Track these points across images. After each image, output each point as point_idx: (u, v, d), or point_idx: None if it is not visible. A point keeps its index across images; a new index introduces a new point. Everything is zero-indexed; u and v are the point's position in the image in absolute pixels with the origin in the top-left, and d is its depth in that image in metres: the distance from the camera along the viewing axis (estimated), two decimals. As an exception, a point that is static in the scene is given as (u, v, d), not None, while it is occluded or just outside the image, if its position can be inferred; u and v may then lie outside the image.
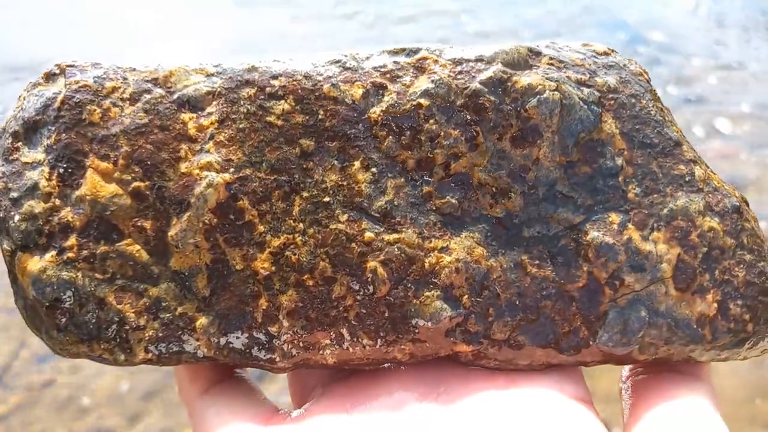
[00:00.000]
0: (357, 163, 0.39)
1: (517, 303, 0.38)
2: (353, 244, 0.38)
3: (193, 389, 0.42)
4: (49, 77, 0.41)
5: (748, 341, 0.39)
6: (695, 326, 0.38)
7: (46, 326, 0.38)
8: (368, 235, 0.38)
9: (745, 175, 2.04)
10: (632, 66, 0.43)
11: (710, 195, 0.40)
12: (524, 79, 0.40)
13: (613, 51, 0.43)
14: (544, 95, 0.39)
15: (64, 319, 0.37)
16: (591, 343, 0.38)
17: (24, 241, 0.38)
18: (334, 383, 0.42)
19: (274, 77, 0.41)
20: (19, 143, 0.39)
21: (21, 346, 1.81)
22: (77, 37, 2.62)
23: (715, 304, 0.38)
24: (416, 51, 0.42)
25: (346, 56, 0.42)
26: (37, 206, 0.38)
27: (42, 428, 1.48)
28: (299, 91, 0.40)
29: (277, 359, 0.38)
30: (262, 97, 0.40)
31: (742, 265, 0.39)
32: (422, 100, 0.40)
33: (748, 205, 0.41)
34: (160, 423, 1.68)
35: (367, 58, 0.42)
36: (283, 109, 0.40)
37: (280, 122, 0.40)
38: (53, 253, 0.38)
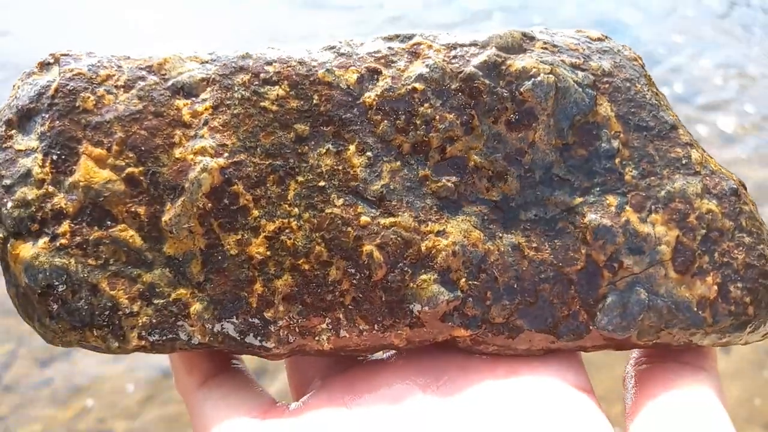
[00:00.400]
0: (352, 148, 0.39)
1: (515, 286, 0.38)
2: (349, 228, 0.38)
3: (190, 382, 0.42)
4: (43, 66, 0.41)
5: (749, 324, 0.38)
6: (696, 309, 0.38)
7: (39, 314, 0.38)
8: (364, 219, 0.38)
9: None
10: (626, 51, 0.43)
11: (708, 178, 0.40)
12: (518, 62, 0.40)
13: (607, 37, 0.43)
14: (539, 78, 0.39)
15: (56, 306, 0.37)
16: (591, 327, 0.38)
17: (16, 228, 0.38)
18: (333, 375, 0.41)
19: (269, 63, 0.41)
20: (13, 131, 0.39)
21: (19, 345, 1.81)
22: (77, 36, 2.61)
23: (716, 287, 0.38)
24: (410, 37, 0.42)
25: (340, 42, 0.42)
26: (30, 193, 0.38)
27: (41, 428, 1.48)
28: (294, 76, 0.40)
29: (273, 345, 0.38)
30: (257, 82, 0.40)
31: (741, 248, 0.38)
32: (417, 84, 0.40)
33: (745, 188, 0.41)
34: (158, 420, 1.67)
35: (362, 44, 0.42)
36: (277, 95, 0.40)
37: (274, 107, 0.40)
38: (46, 239, 0.37)
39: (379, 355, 0.42)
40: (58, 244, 0.37)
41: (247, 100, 0.40)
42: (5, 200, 0.38)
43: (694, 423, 0.35)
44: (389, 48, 0.41)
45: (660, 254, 0.38)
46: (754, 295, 0.38)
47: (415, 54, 0.41)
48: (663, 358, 0.40)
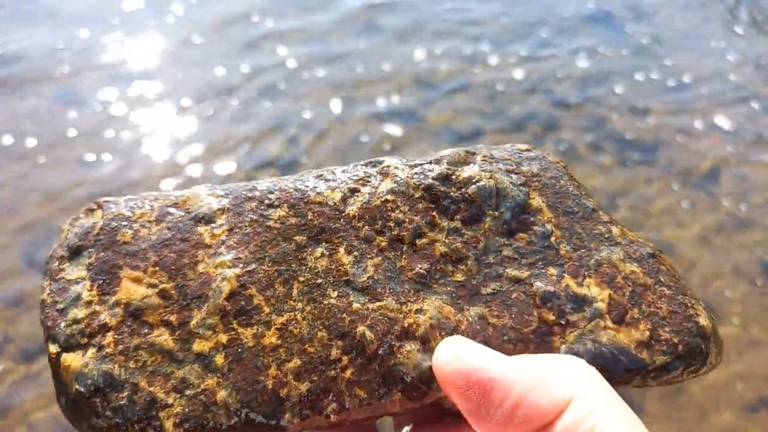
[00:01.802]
0: (341, 250, 0.48)
1: None
2: (344, 314, 0.45)
3: None
4: (89, 212, 0.50)
5: (683, 360, 0.45)
6: (635, 352, 0.44)
7: (87, 416, 0.43)
8: (355, 305, 0.46)
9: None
10: (550, 157, 0.53)
11: (627, 246, 0.48)
12: (465, 172, 0.51)
13: (533, 148, 0.54)
14: (482, 182, 0.50)
15: (103, 406, 0.42)
16: None
17: (68, 343, 0.44)
18: None
19: (271, 192, 0.51)
20: (65, 265, 0.47)
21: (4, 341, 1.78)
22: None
23: (647, 332, 0.44)
24: (381, 162, 0.52)
25: (326, 171, 0.52)
26: (80, 313, 0.45)
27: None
28: (291, 200, 0.50)
29: (287, 422, 0.43)
30: (262, 207, 0.50)
31: (663, 298, 0.46)
32: (388, 197, 0.50)
33: (661, 252, 0.50)
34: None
35: (343, 171, 0.52)
36: (279, 215, 0.49)
37: (277, 225, 0.49)
38: (93, 350, 0.44)
39: None
40: (104, 353, 0.44)
41: (255, 221, 0.49)
42: (59, 321, 0.45)
43: None
44: (365, 172, 0.52)
45: (598, 310, 0.45)
46: (681, 335, 0.45)
47: (385, 174, 0.51)
48: None
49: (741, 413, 1.66)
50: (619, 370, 0.44)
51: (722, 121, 2.65)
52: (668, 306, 0.45)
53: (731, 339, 1.84)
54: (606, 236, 0.49)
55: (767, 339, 1.83)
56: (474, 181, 0.50)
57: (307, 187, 0.51)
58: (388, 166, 0.51)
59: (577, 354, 0.43)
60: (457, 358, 0.41)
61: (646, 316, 0.45)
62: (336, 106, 2.57)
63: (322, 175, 0.52)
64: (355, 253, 0.48)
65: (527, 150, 0.54)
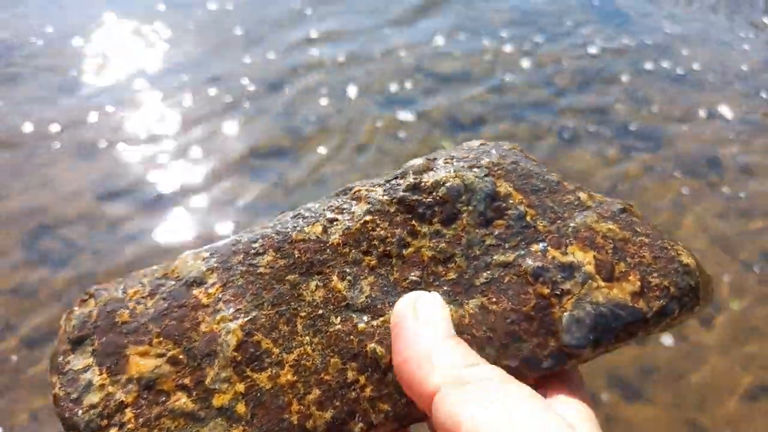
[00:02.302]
0: (334, 278, 0.49)
1: (492, 336, 0.46)
2: (351, 337, 0.47)
3: None
4: (82, 302, 0.50)
5: (678, 302, 0.47)
6: (631, 303, 0.46)
7: None
8: (360, 326, 0.47)
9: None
10: (505, 145, 0.56)
11: (598, 208, 0.51)
12: (431, 177, 0.53)
13: (487, 142, 0.56)
14: (449, 183, 0.52)
15: None
16: (561, 347, 0.45)
17: (89, 429, 0.44)
18: None
19: (254, 242, 0.52)
20: (69, 357, 0.47)
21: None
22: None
23: (638, 282, 0.46)
24: (351, 188, 0.54)
25: (302, 209, 0.54)
26: (94, 397, 0.45)
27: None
28: (275, 244, 0.51)
29: None
30: (249, 258, 0.51)
31: (644, 247, 0.48)
32: (367, 218, 0.52)
33: (631, 206, 0.52)
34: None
35: (318, 204, 0.54)
36: (267, 261, 0.50)
37: (267, 270, 0.50)
38: (115, 429, 0.44)
39: None
40: (126, 429, 0.44)
41: (246, 272, 0.50)
42: (76, 410, 0.45)
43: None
44: (338, 201, 0.53)
45: (587, 273, 0.47)
46: (670, 277, 0.47)
47: (358, 198, 0.53)
48: None
49: (741, 401, 1.67)
50: (621, 326, 0.45)
51: (725, 110, 2.64)
52: (650, 253, 0.48)
53: (731, 326, 1.85)
54: (576, 203, 0.51)
55: (765, 325, 1.83)
56: (442, 183, 0.52)
57: (287, 228, 0.52)
58: (359, 190, 0.53)
59: (579, 318, 0.45)
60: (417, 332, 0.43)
61: (632, 267, 0.47)
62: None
63: (299, 214, 0.53)
64: (348, 277, 0.49)
65: (482, 144, 0.56)
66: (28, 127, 2.48)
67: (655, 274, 0.47)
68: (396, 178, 0.54)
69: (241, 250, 0.51)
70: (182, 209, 2.17)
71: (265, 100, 2.65)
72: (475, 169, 0.53)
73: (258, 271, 0.50)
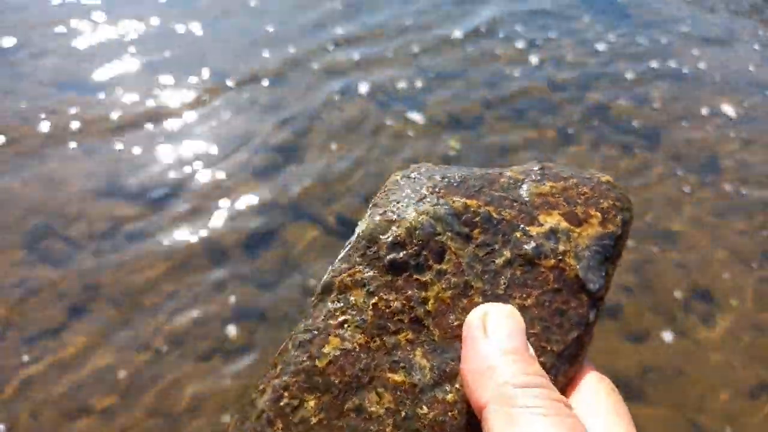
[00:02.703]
0: (387, 375, 0.47)
1: (547, 325, 0.48)
2: (450, 413, 0.45)
3: None
4: None
5: (624, 211, 0.52)
6: (605, 230, 0.50)
7: None
8: (449, 397, 0.45)
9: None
10: (418, 167, 0.55)
11: (528, 176, 0.53)
12: (400, 229, 0.50)
13: (399, 174, 0.55)
14: (420, 225, 0.50)
15: None
16: (592, 296, 0.48)
17: None
18: None
19: (279, 398, 0.47)
20: None
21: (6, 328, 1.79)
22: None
23: (598, 212, 0.51)
24: (331, 285, 0.50)
25: (298, 335, 0.49)
26: None
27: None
28: (304, 384, 0.47)
29: None
30: (288, 418, 0.46)
31: (580, 185, 0.52)
32: (373, 301, 0.49)
33: (546, 162, 0.55)
34: (152, 403, 1.67)
35: (311, 320, 0.49)
36: (312, 408, 0.46)
37: (320, 416, 0.45)
38: None
39: None
40: None
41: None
42: None
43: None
44: (331, 305, 0.49)
45: (565, 229, 0.50)
46: (608, 197, 0.52)
47: (347, 289, 0.49)
48: None
49: (740, 397, 1.67)
50: (610, 251, 0.49)
51: (727, 108, 2.63)
52: (586, 187, 0.52)
53: (730, 323, 1.85)
54: (512, 182, 0.53)
55: (765, 323, 1.84)
56: (415, 228, 0.50)
57: (303, 361, 0.47)
58: (342, 281, 0.50)
59: (588, 267, 0.49)
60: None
61: (586, 204, 0.51)
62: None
63: (301, 342, 0.48)
64: (400, 365, 0.47)
65: (402, 177, 0.55)
66: (28, 126, 2.48)
67: (601, 200, 0.51)
68: (367, 248, 0.50)
69: (275, 416, 0.46)
70: (184, 208, 2.17)
71: (282, 97, 2.65)
72: (426, 199, 0.52)
73: (311, 425, 0.45)
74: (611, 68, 2.89)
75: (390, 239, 0.50)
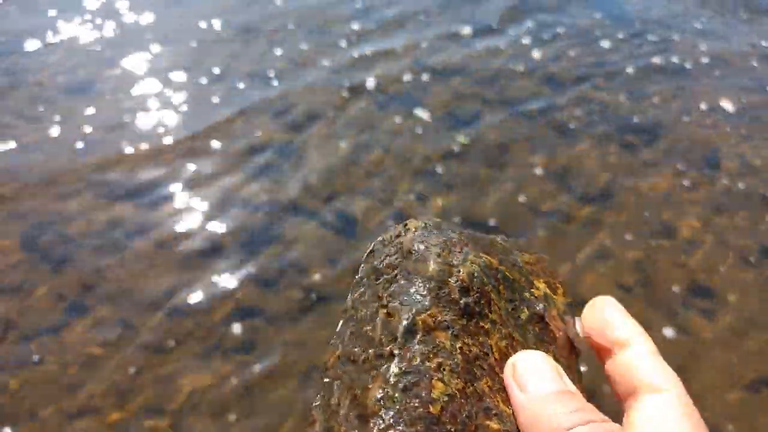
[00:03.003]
0: (491, 423, 0.45)
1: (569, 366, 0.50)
2: None
3: None
4: None
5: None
6: (565, 297, 0.56)
7: None
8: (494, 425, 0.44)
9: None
10: (426, 221, 0.54)
11: (503, 253, 0.55)
12: (463, 273, 0.49)
13: (412, 225, 0.53)
14: (474, 271, 0.49)
15: None
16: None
17: None
18: None
19: None
20: None
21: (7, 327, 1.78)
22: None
23: (560, 287, 0.56)
24: (414, 326, 0.46)
25: (387, 388, 0.45)
26: None
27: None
28: None
29: None
30: None
31: (540, 260, 0.57)
32: (458, 345, 0.46)
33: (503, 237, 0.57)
34: (151, 401, 1.68)
35: (407, 361, 0.46)
36: None
37: None
38: None
39: None
40: None
41: None
42: None
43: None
44: (419, 347, 0.46)
45: (548, 295, 0.53)
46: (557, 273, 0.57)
47: (430, 330, 0.46)
48: None
49: (740, 393, 1.67)
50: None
51: (726, 104, 2.63)
52: (546, 263, 0.57)
53: (729, 319, 1.85)
54: (506, 247, 0.55)
55: (764, 318, 1.84)
56: (473, 275, 0.49)
57: (417, 408, 0.44)
58: (425, 321, 0.47)
59: (572, 325, 0.52)
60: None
61: (552, 276, 0.57)
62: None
63: (409, 392, 0.46)
64: (494, 412, 0.45)
65: (423, 227, 0.52)
66: (27, 125, 2.47)
67: (557, 275, 0.57)
68: (439, 289, 0.48)
69: None
70: (185, 208, 2.17)
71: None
72: (464, 250, 0.51)
73: None
74: (612, 64, 2.89)
75: (459, 283, 0.49)
